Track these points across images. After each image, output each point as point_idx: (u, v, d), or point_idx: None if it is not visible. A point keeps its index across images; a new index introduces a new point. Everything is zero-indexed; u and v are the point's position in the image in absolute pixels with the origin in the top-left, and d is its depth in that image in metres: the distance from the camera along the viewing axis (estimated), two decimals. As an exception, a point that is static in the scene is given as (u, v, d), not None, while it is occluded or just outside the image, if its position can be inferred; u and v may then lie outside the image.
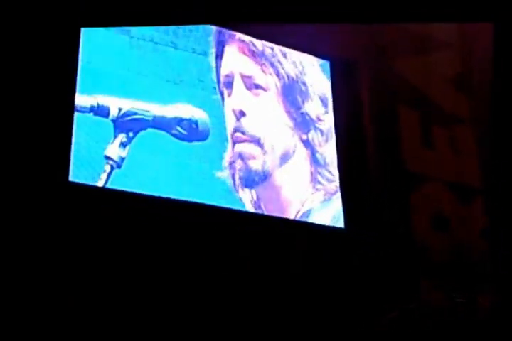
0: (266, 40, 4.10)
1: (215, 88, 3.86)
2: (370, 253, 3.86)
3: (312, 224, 3.92)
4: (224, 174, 3.73)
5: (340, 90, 4.24)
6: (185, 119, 3.69)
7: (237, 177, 3.76)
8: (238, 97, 3.90)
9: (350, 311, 3.65)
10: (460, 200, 4.32)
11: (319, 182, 3.98)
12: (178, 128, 3.66)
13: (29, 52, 3.38)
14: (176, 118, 3.67)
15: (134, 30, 3.75)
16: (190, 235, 3.47)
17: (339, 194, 4.03)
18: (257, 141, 3.86)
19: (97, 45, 3.63)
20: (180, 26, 3.89)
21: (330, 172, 4.04)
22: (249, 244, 3.60)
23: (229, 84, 3.90)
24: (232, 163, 3.76)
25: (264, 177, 3.84)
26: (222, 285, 3.44)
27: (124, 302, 3.20)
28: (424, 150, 4.37)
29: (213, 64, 3.91)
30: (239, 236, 3.59)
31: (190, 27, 3.91)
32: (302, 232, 3.85)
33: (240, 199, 3.76)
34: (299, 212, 3.89)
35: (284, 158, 3.93)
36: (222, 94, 3.88)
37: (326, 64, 4.26)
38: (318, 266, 3.73)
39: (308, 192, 3.95)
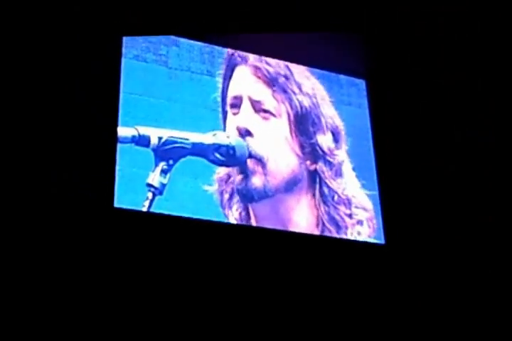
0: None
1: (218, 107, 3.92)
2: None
3: (347, 240, 3.95)
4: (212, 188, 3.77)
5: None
6: (223, 146, 3.83)
7: (226, 194, 3.77)
8: (246, 117, 3.94)
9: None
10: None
11: (326, 229, 3.91)
12: (216, 154, 3.81)
13: (74, 87, 3.59)
14: (213, 145, 3.81)
15: (172, 61, 3.92)
16: (230, 256, 3.60)
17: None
18: (260, 160, 3.88)
19: (137, 77, 3.80)
20: (215, 55, 4.06)
21: (338, 210, 3.97)
22: (286, 262, 3.70)
23: (236, 106, 3.95)
24: (224, 180, 3.79)
25: (265, 196, 3.85)
26: (255, 304, 3.56)
27: (162, 320, 3.35)
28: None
29: (219, 85, 3.97)
30: (279, 256, 3.71)
31: (224, 56, 4.05)
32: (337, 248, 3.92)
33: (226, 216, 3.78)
34: None
35: (290, 184, 3.92)
36: (225, 113, 3.92)
37: (338, 83, 4.31)
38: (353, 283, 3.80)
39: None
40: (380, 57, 4.43)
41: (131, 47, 3.85)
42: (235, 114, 3.94)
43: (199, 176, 3.74)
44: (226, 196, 3.77)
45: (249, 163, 3.86)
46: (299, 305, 3.60)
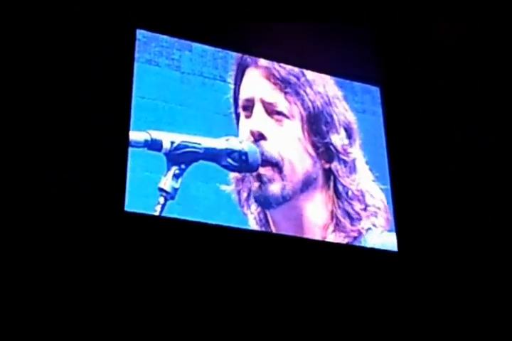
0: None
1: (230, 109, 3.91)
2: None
3: (362, 248, 3.92)
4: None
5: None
6: (236, 151, 3.80)
7: (244, 193, 3.77)
8: (258, 121, 3.93)
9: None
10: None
11: (341, 224, 3.91)
12: (229, 159, 3.77)
13: (87, 91, 3.59)
14: (226, 150, 3.78)
15: (185, 65, 3.90)
16: (241, 260, 3.58)
17: (364, 236, 3.95)
18: (276, 164, 3.87)
19: (150, 81, 3.78)
20: (228, 60, 4.03)
21: (352, 205, 3.97)
22: (298, 269, 3.68)
23: (248, 108, 3.94)
24: (240, 179, 3.78)
25: (283, 201, 3.84)
26: (269, 309, 3.53)
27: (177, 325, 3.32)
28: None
29: (231, 86, 3.96)
30: (291, 262, 3.68)
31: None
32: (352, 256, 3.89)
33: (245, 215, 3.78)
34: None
35: (305, 184, 3.91)
36: (238, 115, 3.92)
37: (352, 91, 4.28)
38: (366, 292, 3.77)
39: (330, 230, 3.90)
40: (395, 63, 4.40)
41: (144, 51, 3.83)
42: (247, 117, 3.92)
43: (211, 180, 3.72)
44: (244, 195, 3.76)
45: (265, 168, 3.85)
46: (311, 311, 3.58)
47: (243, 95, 3.96)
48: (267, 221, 3.80)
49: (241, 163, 3.79)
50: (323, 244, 3.82)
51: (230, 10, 4.05)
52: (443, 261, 4.02)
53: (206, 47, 3.99)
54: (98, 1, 3.75)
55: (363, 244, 3.93)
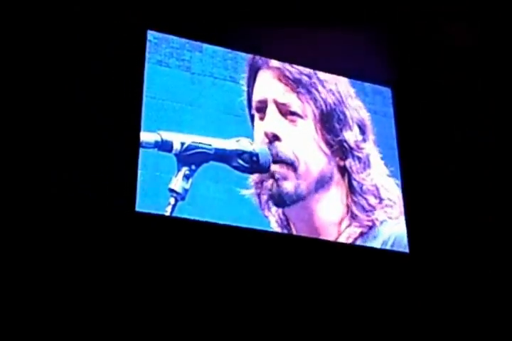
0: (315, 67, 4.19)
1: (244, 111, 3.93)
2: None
3: (372, 248, 3.92)
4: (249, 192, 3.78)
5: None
6: (246, 152, 3.80)
7: (264, 195, 3.79)
8: (272, 122, 3.94)
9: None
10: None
11: (355, 216, 3.94)
12: (239, 160, 3.77)
13: (99, 92, 3.61)
14: (236, 150, 3.79)
15: (195, 66, 3.91)
16: (252, 259, 3.59)
17: (378, 227, 3.98)
18: (291, 164, 3.88)
19: (160, 82, 3.79)
20: (238, 61, 4.03)
21: (366, 199, 4.00)
22: (308, 270, 3.68)
23: (261, 109, 3.95)
24: (259, 182, 3.80)
25: (297, 200, 3.85)
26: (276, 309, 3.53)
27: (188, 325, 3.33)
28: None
29: (244, 88, 3.97)
30: (302, 262, 3.69)
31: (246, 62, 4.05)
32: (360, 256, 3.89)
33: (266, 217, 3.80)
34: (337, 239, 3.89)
35: (320, 183, 3.93)
36: (252, 116, 3.94)
37: (363, 91, 4.28)
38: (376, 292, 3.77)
39: (344, 224, 3.92)
40: (406, 64, 4.41)
41: (155, 52, 3.85)
42: (261, 118, 3.94)
43: (221, 181, 3.72)
44: (264, 197, 3.79)
45: (280, 167, 3.85)
46: (321, 311, 3.58)
47: (256, 97, 3.97)
48: (288, 223, 3.82)
49: (252, 164, 3.80)
50: (334, 245, 3.83)
51: (240, 11, 4.05)
52: (453, 261, 4.02)
53: (216, 48, 4.00)
54: (110, 3, 3.78)
55: (377, 234, 3.95)
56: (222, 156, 3.75)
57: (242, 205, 3.72)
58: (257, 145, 3.84)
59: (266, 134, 3.89)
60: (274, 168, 3.85)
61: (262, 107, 3.95)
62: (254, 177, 3.80)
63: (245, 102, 3.94)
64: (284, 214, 3.82)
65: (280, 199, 3.82)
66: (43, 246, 3.21)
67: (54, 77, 3.54)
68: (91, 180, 3.39)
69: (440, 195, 4.16)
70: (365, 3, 4.39)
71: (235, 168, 3.76)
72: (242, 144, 3.81)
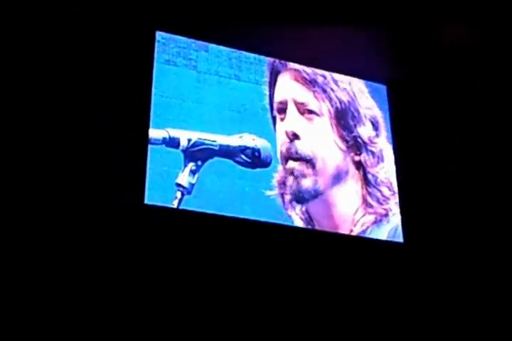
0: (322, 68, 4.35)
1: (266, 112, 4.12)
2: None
3: (370, 239, 4.07)
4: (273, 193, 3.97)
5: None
6: (249, 148, 3.98)
7: (287, 195, 3.98)
8: (292, 121, 4.13)
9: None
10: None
11: (370, 205, 4.14)
12: (243, 156, 3.96)
13: (110, 90, 3.76)
14: (240, 146, 3.97)
15: (201, 65, 4.07)
16: (251, 251, 3.73)
17: (390, 217, 4.17)
18: (310, 161, 4.06)
19: (168, 80, 3.96)
20: (242, 60, 4.20)
21: (380, 191, 4.19)
22: (308, 260, 3.81)
23: (282, 110, 4.15)
24: (282, 182, 3.99)
25: (315, 195, 4.03)
26: (285, 300, 3.67)
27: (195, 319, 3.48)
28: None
29: (266, 92, 4.17)
30: (302, 253, 3.82)
31: (251, 60, 4.21)
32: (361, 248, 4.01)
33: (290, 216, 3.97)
34: (352, 231, 4.06)
35: (337, 178, 4.12)
36: (274, 118, 4.13)
37: (375, 90, 4.45)
38: (376, 282, 3.90)
39: (359, 214, 4.11)
40: (406, 64, 4.52)
41: (163, 52, 4.01)
42: (282, 119, 4.13)
43: (226, 175, 3.89)
44: (287, 197, 3.97)
45: (299, 165, 4.05)
46: (319, 302, 3.71)
47: (277, 98, 4.17)
48: (311, 219, 4.00)
49: (254, 159, 3.98)
50: (329, 235, 3.97)
51: (241, 11, 4.13)
52: (448, 252, 4.15)
53: (222, 47, 4.16)
54: (121, 6, 3.90)
55: (389, 223, 4.15)
56: (227, 152, 3.92)
57: (267, 205, 3.90)
58: (259, 141, 4.05)
59: (286, 133, 4.08)
60: (293, 165, 4.04)
61: (283, 108, 4.14)
62: (277, 178, 3.98)
63: (268, 106, 4.14)
64: (307, 211, 4.00)
65: (300, 196, 4.00)
66: (55, 235, 3.36)
67: (67, 77, 3.69)
68: (103, 175, 3.55)
69: (436, 191, 4.28)
70: (365, 3, 4.44)
71: (238, 163, 3.94)
72: (245, 140, 4.00)
